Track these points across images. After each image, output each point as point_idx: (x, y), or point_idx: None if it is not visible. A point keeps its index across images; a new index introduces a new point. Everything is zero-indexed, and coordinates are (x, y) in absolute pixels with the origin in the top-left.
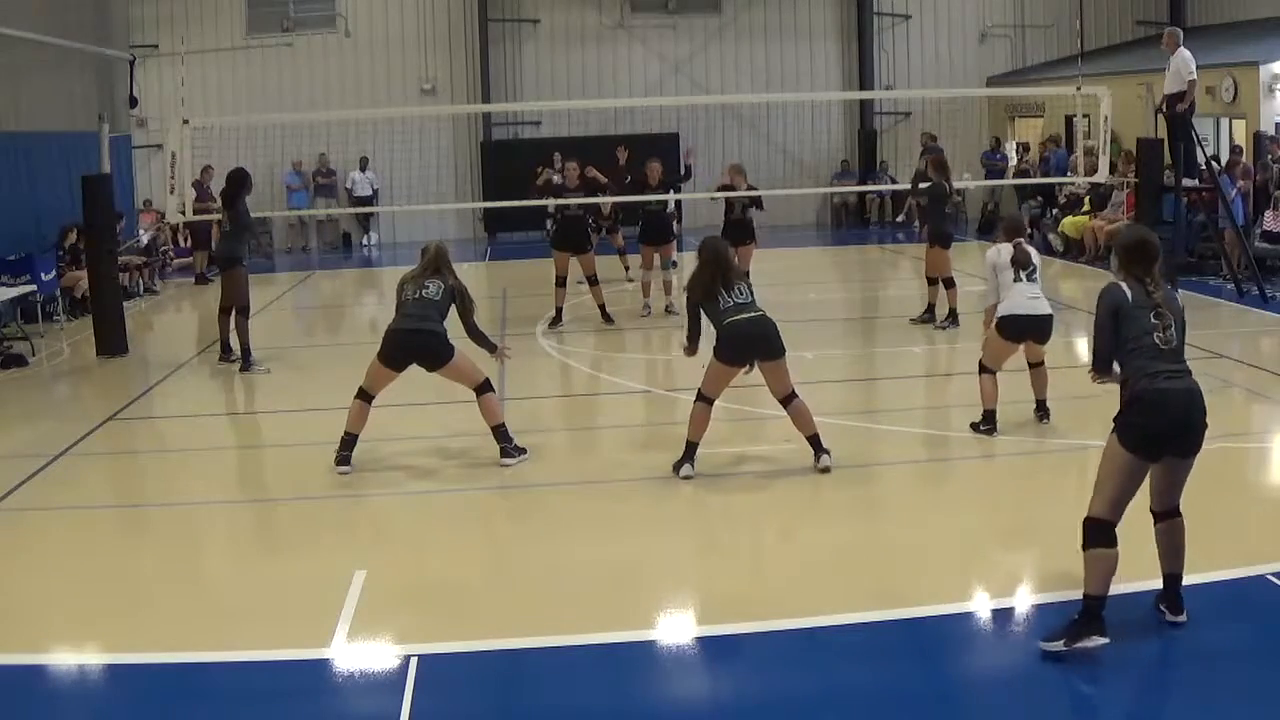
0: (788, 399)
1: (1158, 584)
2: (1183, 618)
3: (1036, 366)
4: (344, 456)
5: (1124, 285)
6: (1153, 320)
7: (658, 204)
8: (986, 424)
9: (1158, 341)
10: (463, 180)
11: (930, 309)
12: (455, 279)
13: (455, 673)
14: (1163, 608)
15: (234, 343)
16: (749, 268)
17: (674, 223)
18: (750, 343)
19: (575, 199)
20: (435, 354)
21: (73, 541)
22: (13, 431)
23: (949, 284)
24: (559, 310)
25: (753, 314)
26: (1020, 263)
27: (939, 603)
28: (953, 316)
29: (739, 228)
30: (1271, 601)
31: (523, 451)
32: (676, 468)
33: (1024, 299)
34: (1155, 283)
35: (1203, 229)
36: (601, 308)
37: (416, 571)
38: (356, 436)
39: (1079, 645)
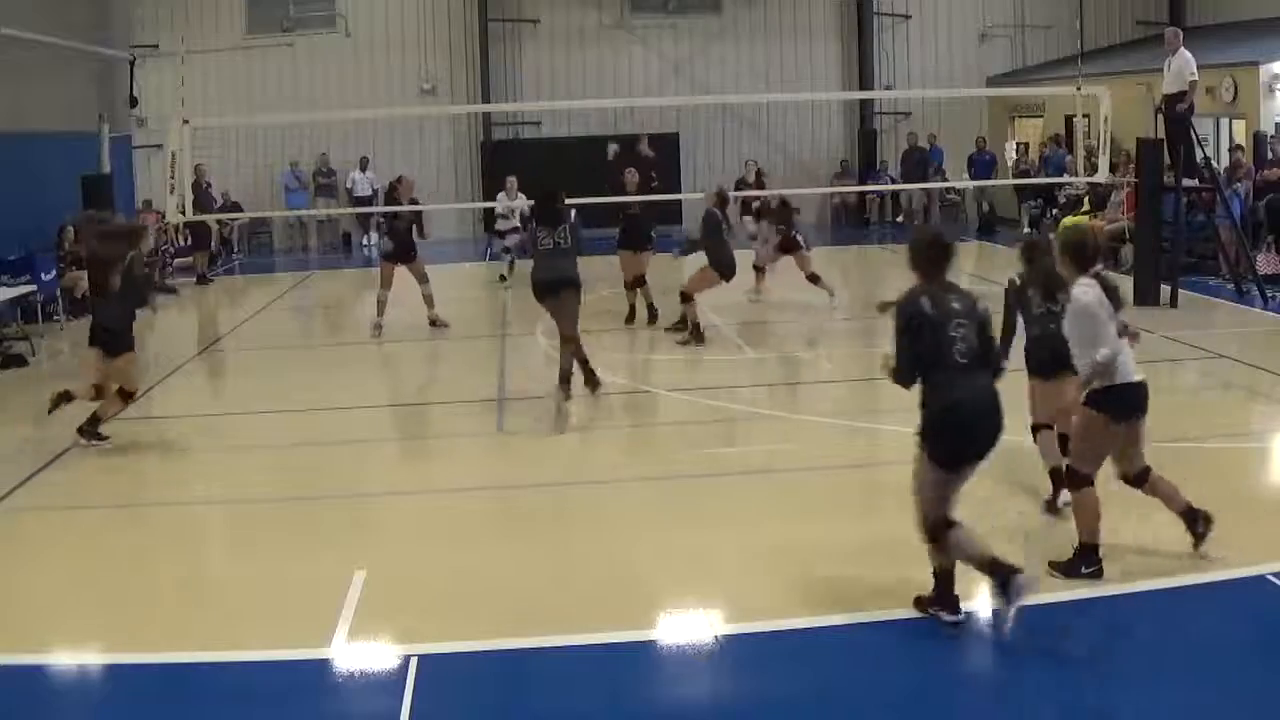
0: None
1: (1158, 584)
2: None
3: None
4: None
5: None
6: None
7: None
8: (1090, 564)
9: (957, 355)
10: (463, 180)
11: None
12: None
13: (455, 673)
14: None
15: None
16: (810, 270)
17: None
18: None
19: (634, 198)
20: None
21: (73, 541)
22: (13, 431)
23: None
24: (652, 308)
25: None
26: (1115, 302)
27: None
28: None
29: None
30: (1271, 601)
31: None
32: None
33: (1131, 359)
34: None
35: (1202, 229)
36: (650, 306)
37: (416, 571)
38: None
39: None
